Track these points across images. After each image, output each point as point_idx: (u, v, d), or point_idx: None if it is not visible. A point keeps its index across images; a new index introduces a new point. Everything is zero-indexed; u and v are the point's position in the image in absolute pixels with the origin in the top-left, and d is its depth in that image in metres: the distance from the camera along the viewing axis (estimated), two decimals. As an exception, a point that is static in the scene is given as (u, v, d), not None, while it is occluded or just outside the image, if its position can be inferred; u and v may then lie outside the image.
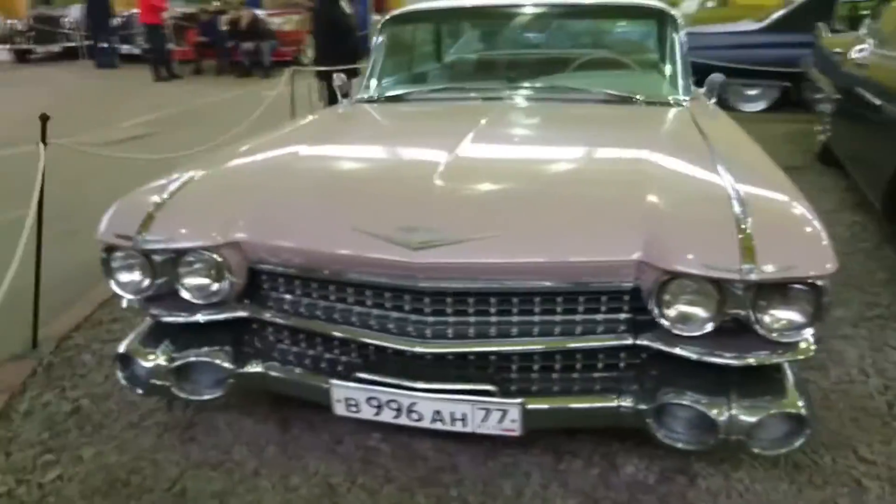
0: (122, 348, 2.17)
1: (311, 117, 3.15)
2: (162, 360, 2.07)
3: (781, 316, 1.73)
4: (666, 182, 2.03)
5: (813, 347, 1.78)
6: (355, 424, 2.48)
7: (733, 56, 7.63)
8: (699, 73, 3.34)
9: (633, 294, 1.87)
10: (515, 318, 1.90)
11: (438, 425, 1.93)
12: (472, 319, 1.91)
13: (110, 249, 2.09)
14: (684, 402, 1.78)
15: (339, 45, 6.66)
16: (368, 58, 3.66)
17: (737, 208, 1.82)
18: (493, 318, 1.90)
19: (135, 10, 14.52)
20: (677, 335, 1.81)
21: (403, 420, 1.96)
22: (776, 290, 1.71)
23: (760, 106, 8.29)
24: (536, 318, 1.90)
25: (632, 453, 2.33)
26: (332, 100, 6.78)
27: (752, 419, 1.74)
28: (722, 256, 1.68)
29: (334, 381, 1.96)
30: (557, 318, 1.90)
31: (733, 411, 1.75)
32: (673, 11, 3.35)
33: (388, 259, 1.81)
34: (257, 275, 2.09)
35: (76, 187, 5.33)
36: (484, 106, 2.99)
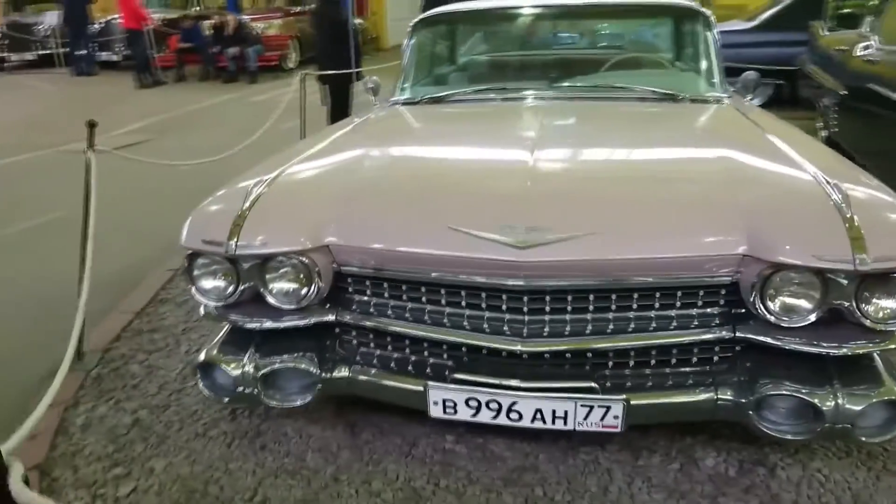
0: (202, 357, 2.13)
1: (357, 119, 3.12)
2: (249, 368, 2.04)
3: (885, 305, 1.76)
4: (754, 176, 2.06)
5: (902, 335, 1.82)
6: (428, 427, 2.48)
7: (727, 55, 7.73)
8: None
9: (729, 288, 1.89)
10: (616, 315, 1.92)
11: (538, 424, 1.93)
12: (574, 317, 1.92)
13: (193, 256, 2.06)
14: (791, 393, 1.81)
15: (341, 49, 6.62)
16: (403, 59, 3.64)
17: (834, 200, 1.85)
18: (596, 315, 1.91)
19: (113, 17, 14.29)
20: (778, 327, 1.83)
21: (501, 420, 1.95)
22: (878, 280, 1.74)
23: (756, 103, 8.41)
24: (635, 315, 1.92)
25: (708, 446, 2.35)
26: (335, 104, 6.75)
27: (858, 407, 1.77)
28: (834, 248, 1.71)
29: (432, 384, 1.95)
30: (656, 313, 1.91)
31: (839, 400, 1.78)
32: (705, 10, 3.40)
33: (495, 258, 1.81)
34: (342, 278, 2.07)
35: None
36: (535, 106, 3.00)
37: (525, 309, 1.91)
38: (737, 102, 3.13)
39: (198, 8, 16.33)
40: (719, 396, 1.91)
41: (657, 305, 1.92)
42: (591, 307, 1.92)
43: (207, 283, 2.08)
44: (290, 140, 5.60)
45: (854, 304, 1.77)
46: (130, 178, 5.06)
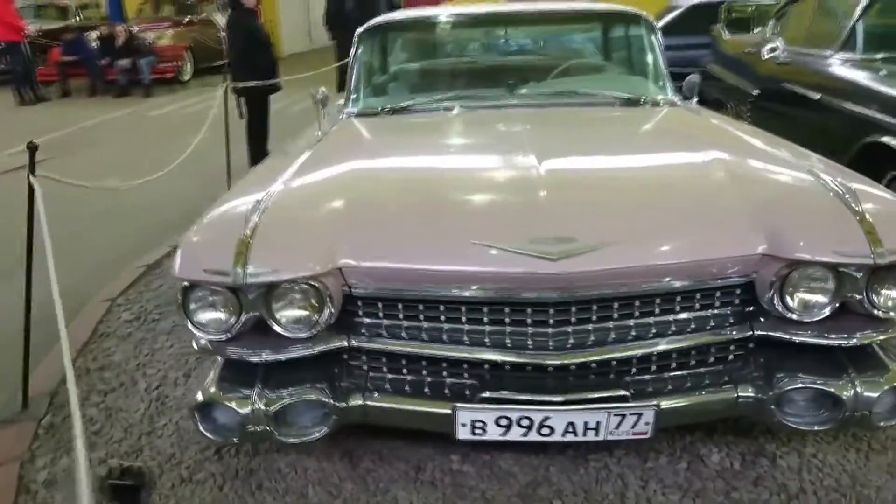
0: (200, 397, 1.96)
1: (319, 133, 2.97)
2: (259, 405, 1.89)
3: (893, 294, 1.85)
4: (754, 176, 2.12)
5: (906, 325, 1.92)
6: (430, 448, 2.40)
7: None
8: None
9: (744, 288, 1.93)
10: (638, 322, 1.92)
11: (569, 437, 1.90)
12: (598, 326, 1.90)
13: (188, 288, 1.89)
14: (813, 385, 1.86)
15: (258, 59, 6.36)
16: (351, 69, 3.53)
17: (840, 195, 1.92)
18: (628, 323, 1.91)
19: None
20: (793, 322, 1.89)
21: (531, 437, 1.91)
22: (887, 271, 1.83)
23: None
24: (656, 320, 1.93)
25: (708, 442, 2.40)
26: (252, 116, 6.48)
27: (875, 394, 1.85)
28: (852, 243, 1.78)
29: (460, 405, 1.88)
30: (674, 317, 1.93)
31: (857, 388, 1.85)
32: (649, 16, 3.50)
33: (528, 272, 1.76)
34: (351, 301, 1.96)
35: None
36: (509, 113, 2.97)
37: (551, 321, 1.88)
38: (689, 105, 3.24)
39: (78, 18, 15.32)
40: (740, 394, 1.94)
41: (677, 309, 1.93)
42: (615, 315, 1.91)
43: (205, 316, 1.91)
44: (214, 157, 5.30)
45: (865, 296, 1.85)
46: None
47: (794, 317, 1.87)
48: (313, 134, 3.07)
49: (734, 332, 1.94)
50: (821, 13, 4.92)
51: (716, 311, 1.96)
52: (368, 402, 1.97)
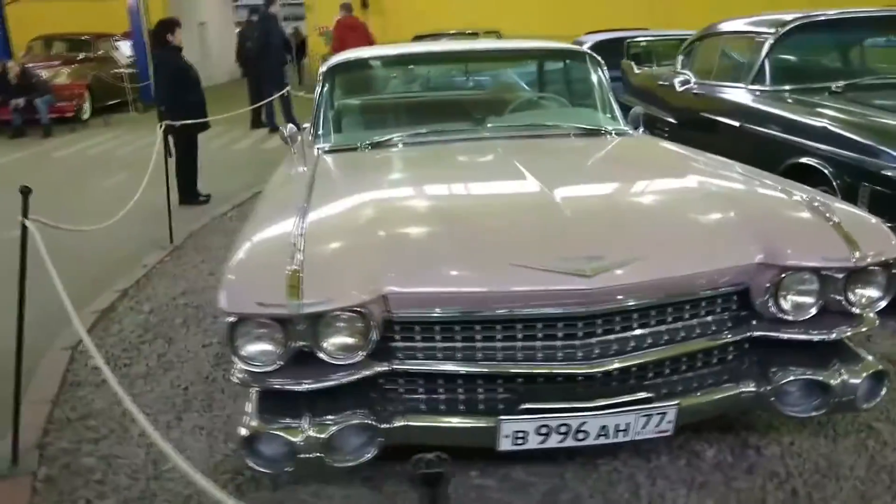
0: (246, 431, 1.98)
1: (313, 168, 3.00)
2: (312, 432, 1.94)
3: (866, 293, 2.14)
4: (740, 195, 2.39)
5: (877, 320, 2.22)
6: (450, 464, 2.48)
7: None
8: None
9: (741, 293, 2.18)
10: (658, 329, 2.12)
11: (601, 440, 2.06)
12: (627, 335, 2.09)
13: (236, 322, 1.92)
14: (806, 377, 2.12)
15: (187, 98, 6.28)
16: (317, 106, 3.61)
17: (815, 209, 2.21)
18: (644, 331, 2.10)
19: None
20: (785, 322, 2.15)
21: (567, 442, 2.05)
22: (860, 274, 2.12)
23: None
24: (667, 328, 2.13)
25: (700, 440, 2.61)
26: (181, 154, 6.37)
27: (858, 380, 2.13)
28: (834, 249, 2.06)
29: (504, 417, 2.00)
30: (690, 322, 2.15)
31: (843, 376, 2.12)
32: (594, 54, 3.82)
33: (564, 289, 1.93)
34: (389, 326, 2.05)
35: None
36: (484, 145, 3.15)
37: (579, 334, 2.04)
38: (638, 134, 3.54)
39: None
40: (742, 390, 2.17)
41: (686, 316, 2.15)
42: (633, 325, 2.10)
43: (253, 349, 1.95)
44: (139, 197, 5.02)
45: (844, 296, 2.13)
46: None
47: (789, 317, 2.12)
48: (296, 169, 3.13)
49: (735, 335, 2.17)
50: (729, 50, 5.45)
51: (717, 317, 2.20)
52: (410, 423, 2.06)
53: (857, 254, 2.05)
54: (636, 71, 7.47)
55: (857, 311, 2.15)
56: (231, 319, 1.93)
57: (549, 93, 3.79)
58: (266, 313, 1.90)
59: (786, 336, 2.15)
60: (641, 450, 2.56)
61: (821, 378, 2.12)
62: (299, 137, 3.62)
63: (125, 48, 14.63)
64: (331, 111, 3.57)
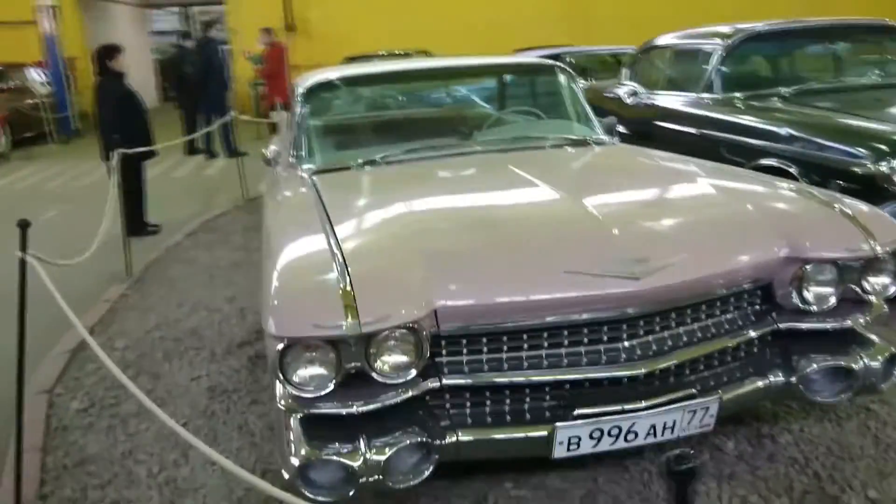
0: (298, 461, 1.90)
1: (312, 188, 2.92)
2: (371, 455, 1.88)
3: (879, 281, 2.26)
4: (754, 194, 2.49)
5: (885, 306, 2.35)
6: (479, 482, 2.47)
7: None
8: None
9: (764, 289, 2.27)
10: (693, 326, 2.18)
11: (650, 439, 2.09)
12: (666, 334, 2.13)
13: (286, 348, 1.86)
14: (833, 363, 2.21)
15: (132, 126, 6.04)
16: (292, 127, 3.55)
17: (828, 203, 2.33)
18: (681, 329, 2.15)
19: None
20: (808, 312, 2.25)
21: (619, 444, 2.07)
22: (875, 262, 2.24)
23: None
24: (706, 323, 2.20)
25: (718, 434, 2.68)
26: (127, 184, 6.11)
27: (878, 363, 2.24)
28: (855, 241, 2.18)
29: (560, 424, 2.00)
30: (722, 318, 2.22)
31: (865, 361, 2.23)
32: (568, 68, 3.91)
33: (616, 292, 1.96)
34: (436, 341, 2.03)
35: None
36: (480, 158, 3.17)
37: (624, 336, 2.08)
38: (617, 142, 3.64)
39: None
40: (772, 379, 2.25)
41: (717, 313, 2.22)
42: (672, 324, 2.15)
43: (305, 374, 1.89)
44: (84, 229, 4.72)
45: (859, 285, 2.25)
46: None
47: (812, 308, 2.22)
48: (292, 192, 3.06)
49: (762, 327, 2.25)
50: (677, 61, 5.68)
51: (745, 311, 2.28)
52: (461, 438, 2.03)
53: (875, 243, 2.17)
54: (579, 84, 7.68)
55: (871, 298, 2.27)
56: (280, 345, 1.86)
57: (528, 106, 3.85)
58: (322, 335, 1.84)
59: (809, 326, 2.25)
60: (666, 448, 2.61)
61: (845, 363, 2.22)
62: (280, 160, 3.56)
63: (40, 77, 13.94)
64: (312, 132, 3.51)
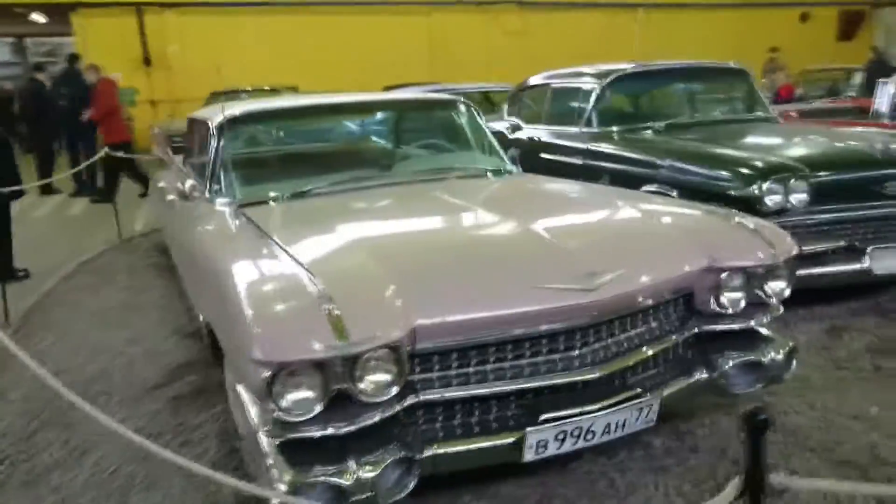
0: (286, 486, 1.91)
1: (259, 221, 2.88)
2: (361, 473, 1.94)
3: (777, 285, 2.63)
4: (670, 213, 2.80)
5: (781, 307, 2.73)
6: (445, 494, 2.56)
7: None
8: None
9: (686, 297, 2.57)
10: (632, 333, 2.43)
11: (605, 437, 2.30)
12: (611, 341, 2.35)
13: (275, 373, 1.88)
14: (746, 358, 2.54)
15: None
16: (213, 159, 3.52)
17: (733, 219, 2.68)
18: (622, 336, 2.39)
19: None
20: (722, 315, 2.57)
21: (580, 444, 2.26)
22: (775, 269, 2.60)
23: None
24: (642, 330, 2.45)
25: (645, 433, 2.94)
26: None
27: (782, 356, 2.59)
28: (762, 251, 2.53)
29: (530, 429, 2.15)
30: (654, 325, 2.49)
31: (771, 355, 2.57)
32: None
33: (576, 303, 2.16)
34: (410, 359, 2.13)
35: None
36: (406, 189, 3.31)
37: (578, 345, 2.28)
38: (523, 173, 3.93)
39: None
40: (698, 377, 2.54)
41: (651, 320, 2.49)
42: (615, 332, 2.38)
43: (292, 398, 1.91)
44: None
45: (762, 289, 2.60)
46: None
47: (728, 311, 2.54)
48: (224, 224, 3.05)
49: (687, 331, 2.55)
50: (558, 99, 6.13)
51: (673, 316, 2.57)
52: (437, 451, 2.13)
53: (776, 252, 2.54)
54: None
55: (772, 300, 2.64)
56: (267, 373, 1.88)
57: (442, 139, 4.04)
58: (314, 358, 1.88)
59: (725, 327, 2.57)
60: (601, 450, 2.83)
61: (755, 357, 2.56)
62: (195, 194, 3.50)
63: None
64: (230, 165, 3.49)
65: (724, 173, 3.99)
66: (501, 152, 3.98)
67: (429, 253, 2.44)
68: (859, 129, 5.43)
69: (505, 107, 7.04)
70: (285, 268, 2.24)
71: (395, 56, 16.37)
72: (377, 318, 2.02)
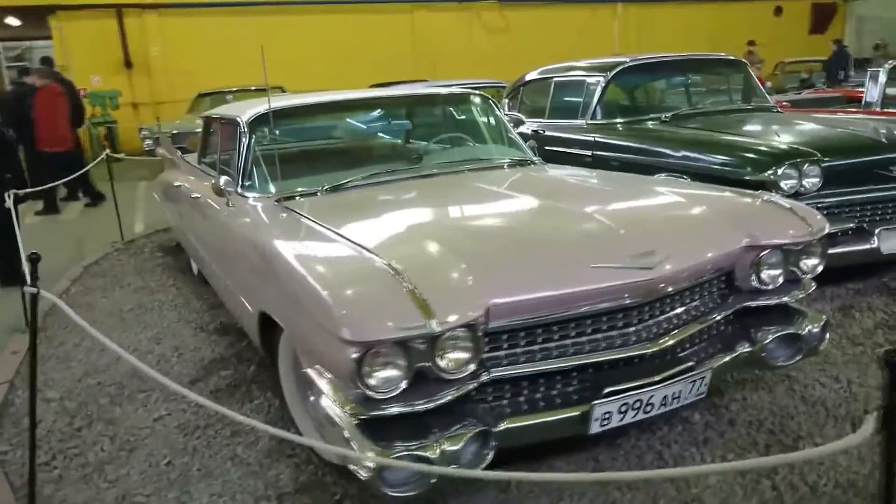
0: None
1: (309, 213, 2.95)
2: (446, 446, 2.02)
3: (811, 262, 2.75)
4: (701, 196, 2.92)
5: (814, 284, 2.86)
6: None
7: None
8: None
9: (728, 274, 2.69)
10: (683, 309, 2.55)
11: (662, 409, 2.40)
12: (664, 317, 2.46)
13: (364, 353, 1.96)
14: (786, 331, 2.66)
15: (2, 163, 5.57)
16: (243, 156, 3.58)
17: (765, 199, 2.80)
18: (676, 312, 2.50)
19: None
20: (762, 291, 2.69)
21: (639, 416, 2.36)
22: (810, 246, 2.72)
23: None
24: (693, 305, 2.57)
25: (682, 409, 3.07)
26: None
27: (818, 328, 2.72)
28: (799, 229, 2.65)
29: (597, 402, 2.25)
30: (704, 299, 2.60)
31: (809, 327, 2.70)
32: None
33: (633, 282, 2.27)
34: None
35: None
36: (443, 180, 3.39)
37: (634, 321, 2.39)
38: (545, 163, 4.03)
39: None
40: (741, 351, 2.65)
41: (698, 297, 2.61)
42: (668, 308, 2.49)
43: (379, 376, 1.99)
44: None
45: (797, 266, 2.73)
46: None
47: (768, 287, 2.67)
48: (270, 218, 3.10)
49: (732, 306, 2.66)
50: (560, 93, 6.24)
51: (717, 293, 2.69)
52: (510, 426, 2.22)
53: (812, 230, 2.67)
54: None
55: (807, 276, 2.77)
56: (355, 353, 1.96)
57: (465, 132, 4.11)
58: (403, 336, 1.96)
59: (765, 302, 2.69)
60: (645, 426, 2.95)
61: (795, 330, 2.68)
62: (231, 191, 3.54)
63: None
64: (262, 161, 3.54)
65: (739, 159, 4.13)
66: (525, 145, 4.08)
67: (488, 236, 2.53)
68: (856, 116, 5.61)
69: (505, 102, 7.14)
70: (353, 252, 2.32)
71: (379, 54, 16.42)
72: (457, 297, 2.10)
